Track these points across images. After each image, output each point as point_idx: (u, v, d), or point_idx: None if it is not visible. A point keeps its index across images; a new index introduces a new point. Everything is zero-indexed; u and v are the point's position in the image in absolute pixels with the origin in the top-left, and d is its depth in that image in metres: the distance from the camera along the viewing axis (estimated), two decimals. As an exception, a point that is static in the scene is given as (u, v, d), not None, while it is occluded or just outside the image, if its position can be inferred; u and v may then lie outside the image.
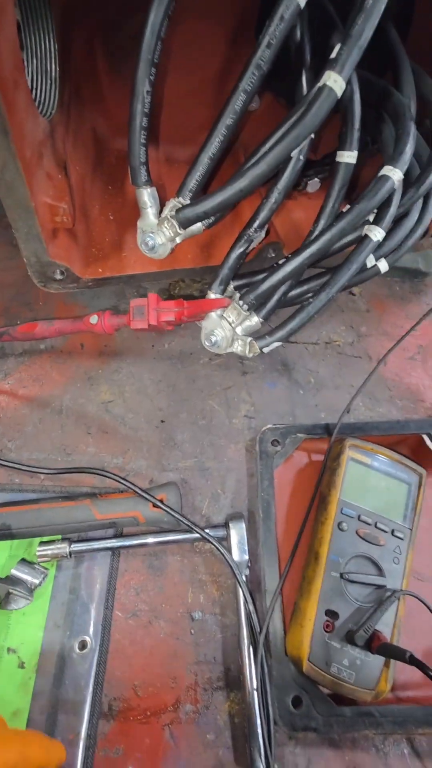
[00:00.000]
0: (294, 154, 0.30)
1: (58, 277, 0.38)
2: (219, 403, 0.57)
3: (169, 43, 0.27)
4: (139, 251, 0.42)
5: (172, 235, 0.31)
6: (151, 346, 0.61)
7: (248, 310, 0.33)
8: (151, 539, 0.45)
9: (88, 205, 0.41)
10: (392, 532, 0.45)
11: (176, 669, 0.43)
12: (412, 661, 0.35)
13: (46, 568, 0.44)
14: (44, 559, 0.43)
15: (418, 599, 0.41)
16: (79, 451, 0.51)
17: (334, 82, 0.28)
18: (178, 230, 0.30)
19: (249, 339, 0.33)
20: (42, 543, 0.44)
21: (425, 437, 0.51)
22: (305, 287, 0.38)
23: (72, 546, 0.44)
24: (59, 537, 0.44)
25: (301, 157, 0.31)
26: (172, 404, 0.56)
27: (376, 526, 0.45)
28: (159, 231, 0.31)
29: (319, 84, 0.28)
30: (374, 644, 0.39)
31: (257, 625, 0.41)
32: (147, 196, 0.30)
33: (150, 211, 0.31)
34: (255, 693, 0.39)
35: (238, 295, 0.34)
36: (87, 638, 0.41)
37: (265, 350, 0.34)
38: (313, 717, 0.39)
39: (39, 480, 0.49)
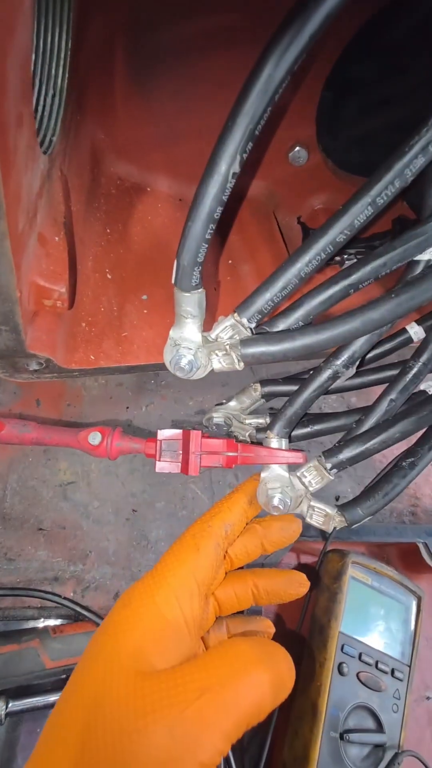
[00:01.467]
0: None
1: (34, 368, 0.26)
2: (202, 488, 0.49)
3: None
4: (145, 331, 0.32)
5: (225, 366, 0.22)
6: (126, 408, 0.50)
7: (336, 473, 0.25)
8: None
9: (79, 255, 0.30)
10: (392, 672, 0.40)
11: None
12: None
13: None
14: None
15: (420, 760, 0.37)
16: (26, 556, 0.40)
17: None
18: (237, 365, 0.21)
19: (335, 513, 0.26)
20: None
21: (421, 546, 0.48)
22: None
23: (10, 705, 0.33)
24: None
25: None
26: (147, 489, 0.46)
27: (377, 667, 0.40)
28: (202, 351, 0.22)
29: None
30: None
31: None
32: (193, 303, 0.21)
33: (191, 322, 0.21)
34: None
35: (316, 451, 0.27)
36: None
37: (355, 527, 0.27)
38: None
39: (-33, 603, 0.37)
